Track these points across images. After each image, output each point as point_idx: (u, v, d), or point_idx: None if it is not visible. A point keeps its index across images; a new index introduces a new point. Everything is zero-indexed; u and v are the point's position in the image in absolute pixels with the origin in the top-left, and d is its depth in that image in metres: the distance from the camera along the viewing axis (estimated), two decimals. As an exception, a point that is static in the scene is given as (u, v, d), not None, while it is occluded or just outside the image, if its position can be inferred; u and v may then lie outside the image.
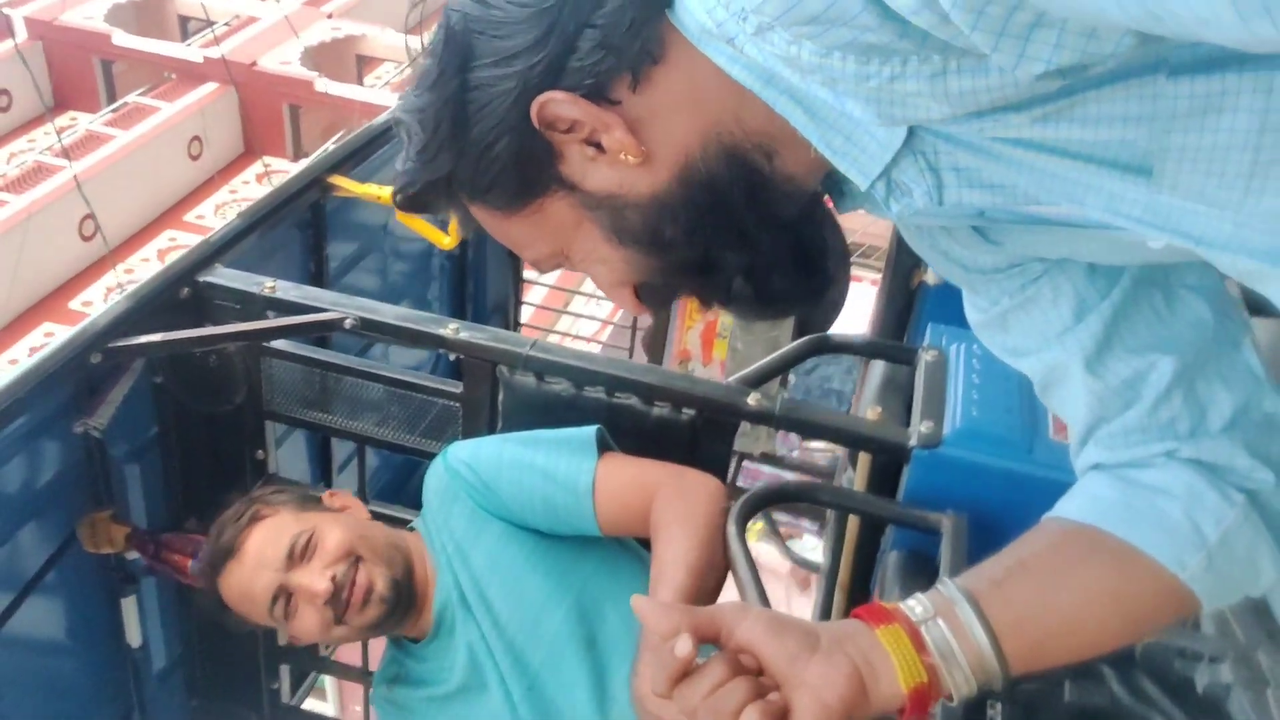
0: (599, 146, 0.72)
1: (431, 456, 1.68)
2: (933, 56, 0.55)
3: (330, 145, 2.43)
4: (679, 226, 0.74)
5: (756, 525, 4.06)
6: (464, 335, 1.75)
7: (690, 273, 0.78)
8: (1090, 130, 0.60)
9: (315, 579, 1.49)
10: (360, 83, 14.58)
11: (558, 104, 0.70)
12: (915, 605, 0.80)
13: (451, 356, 1.90)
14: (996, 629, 0.77)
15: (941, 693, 0.78)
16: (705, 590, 1.39)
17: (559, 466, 1.51)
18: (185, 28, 15.22)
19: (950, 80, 0.56)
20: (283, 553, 1.51)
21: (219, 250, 1.95)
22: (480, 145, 0.73)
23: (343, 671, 2.44)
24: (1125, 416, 0.84)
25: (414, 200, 0.80)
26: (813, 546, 4.15)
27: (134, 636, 2.04)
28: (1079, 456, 0.90)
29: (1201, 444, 0.82)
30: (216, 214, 12.63)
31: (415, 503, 1.73)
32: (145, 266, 11.71)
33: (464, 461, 1.58)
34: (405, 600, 1.55)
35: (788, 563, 3.65)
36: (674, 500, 1.46)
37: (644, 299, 0.82)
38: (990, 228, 0.78)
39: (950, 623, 0.78)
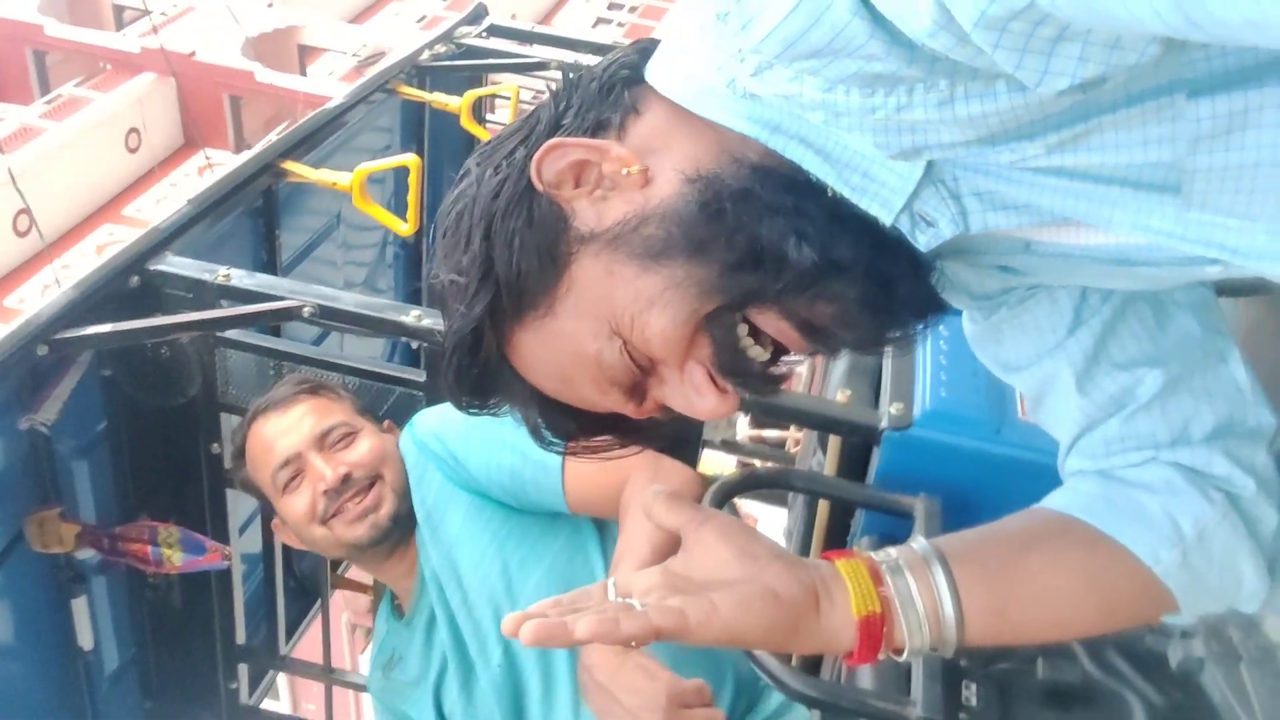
0: (603, 185, 0.69)
1: (390, 446, 1.65)
2: (939, 83, 0.53)
3: (274, 136, 2.37)
4: (704, 217, 0.67)
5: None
6: (427, 323, 1.71)
7: (746, 271, 0.67)
8: (1110, 155, 0.59)
9: (330, 467, 1.52)
10: (303, 73, 14.36)
11: (551, 155, 0.69)
12: (882, 552, 0.81)
13: (413, 345, 1.86)
14: (959, 582, 0.78)
15: (895, 638, 0.77)
16: None
17: (529, 441, 1.50)
18: (120, 18, 14.88)
19: (958, 106, 0.54)
20: (320, 430, 1.56)
21: (168, 238, 1.89)
22: (506, 237, 0.70)
23: (304, 669, 2.39)
24: (1107, 425, 0.84)
25: (475, 382, 0.76)
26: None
27: (85, 638, 1.98)
28: (1064, 466, 0.90)
29: (1181, 452, 0.82)
30: (156, 207, 12.36)
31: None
32: (82, 261, 11.44)
33: (432, 433, 1.56)
34: (394, 540, 1.56)
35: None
36: (647, 485, 1.44)
37: (716, 337, 0.69)
38: (1014, 264, 0.76)
39: (914, 570, 0.78)
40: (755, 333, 0.70)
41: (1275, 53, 0.52)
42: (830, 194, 0.65)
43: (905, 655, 0.78)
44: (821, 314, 0.69)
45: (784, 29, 0.53)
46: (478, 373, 0.75)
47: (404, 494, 1.56)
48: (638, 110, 0.70)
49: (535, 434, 0.79)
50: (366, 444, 1.56)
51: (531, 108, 0.76)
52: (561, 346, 0.72)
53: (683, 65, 0.67)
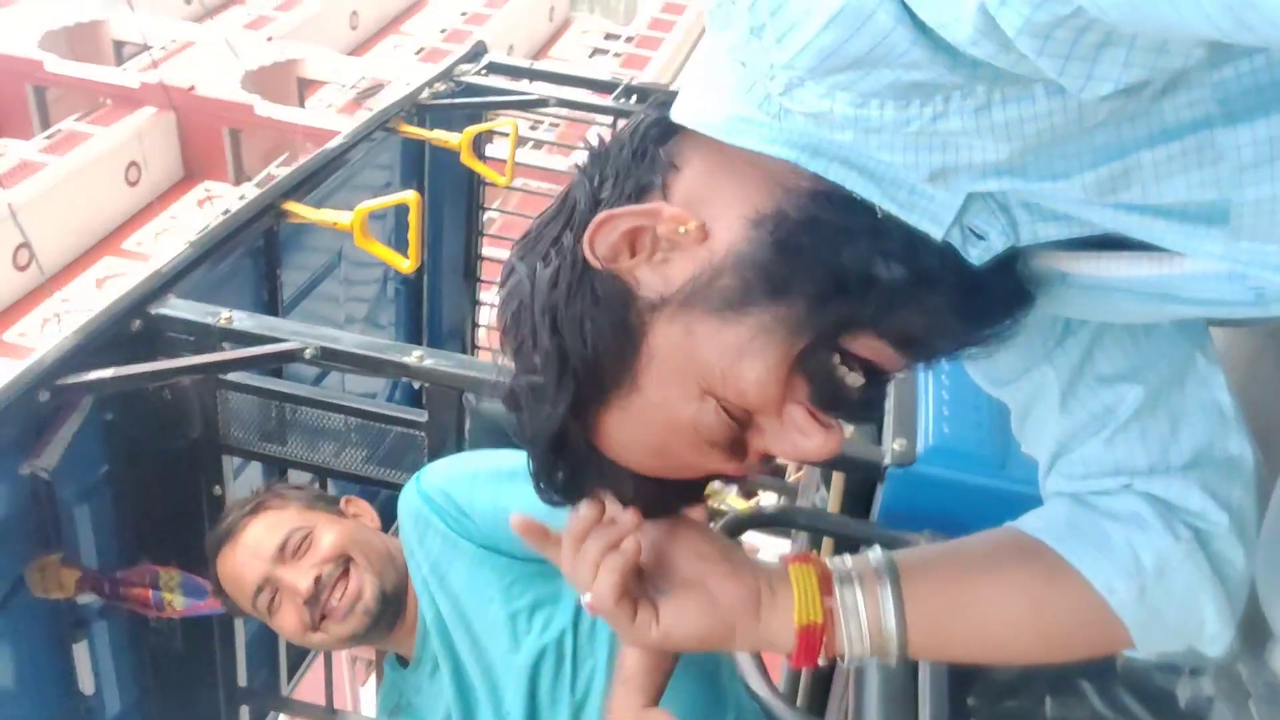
0: (660, 248, 0.68)
1: (391, 486, 1.64)
2: (976, 89, 0.52)
3: (273, 168, 2.38)
4: (781, 256, 0.65)
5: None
6: (429, 363, 1.71)
7: (835, 300, 0.65)
8: (1153, 200, 0.58)
9: (300, 577, 1.52)
10: (302, 105, 14.44)
11: (603, 229, 0.68)
12: (839, 559, 0.82)
13: (415, 384, 1.86)
14: (907, 595, 0.79)
15: (835, 646, 0.79)
16: None
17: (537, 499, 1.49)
18: (120, 53, 14.99)
19: (995, 111, 0.53)
20: (275, 545, 1.55)
21: (170, 281, 1.89)
22: (575, 323, 0.69)
23: (306, 711, 2.38)
24: (1087, 446, 0.83)
25: (568, 477, 0.77)
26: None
27: (86, 683, 1.97)
28: (1044, 486, 0.89)
29: (1157, 481, 0.81)
30: (156, 240, 12.40)
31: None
32: (82, 295, 11.48)
33: (438, 488, 1.55)
34: (391, 614, 1.56)
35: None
36: None
37: (812, 373, 0.67)
38: (1042, 303, 0.75)
39: (865, 581, 0.80)
40: (845, 359, 0.68)
41: None
42: (879, 214, 0.64)
43: (846, 662, 0.80)
44: (914, 326, 0.67)
45: (821, 39, 0.52)
46: (569, 468, 0.75)
47: (383, 569, 1.56)
48: (676, 165, 0.69)
49: (642, 509, 0.79)
50: (326, 539, 1.56)
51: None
52: (653, 419, 0.70)
53: (712, 96, 0.66)
